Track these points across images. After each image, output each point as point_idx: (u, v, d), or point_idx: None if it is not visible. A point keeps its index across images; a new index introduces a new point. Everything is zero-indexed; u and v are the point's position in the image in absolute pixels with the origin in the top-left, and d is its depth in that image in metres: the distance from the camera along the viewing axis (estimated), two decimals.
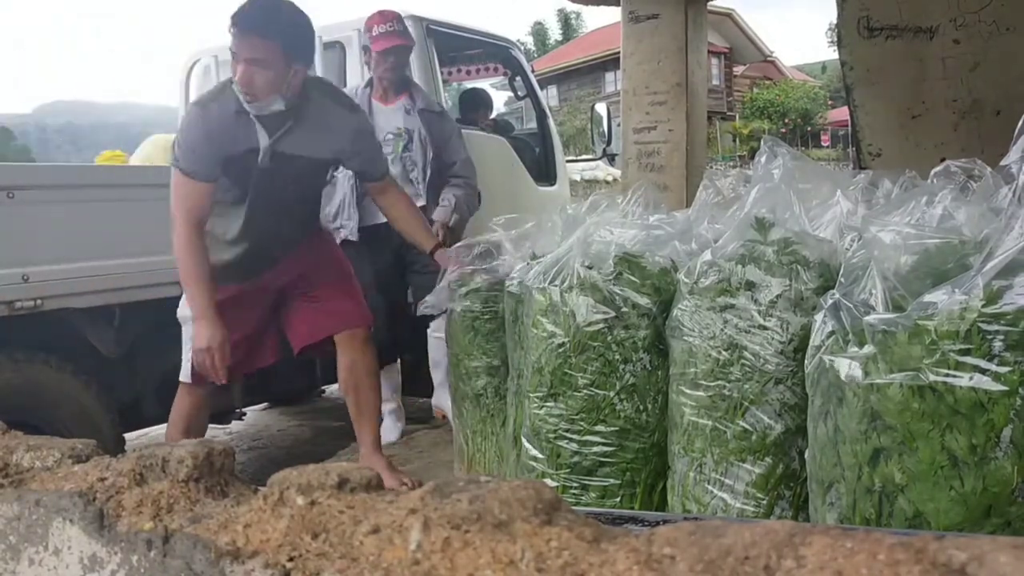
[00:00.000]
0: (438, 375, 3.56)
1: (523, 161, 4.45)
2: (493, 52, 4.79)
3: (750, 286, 1.63)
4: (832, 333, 1.38)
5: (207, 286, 2.44)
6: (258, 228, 2.57)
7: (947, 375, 1.22)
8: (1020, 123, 1.57)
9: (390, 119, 3.53)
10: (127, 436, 2.99)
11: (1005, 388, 1.19)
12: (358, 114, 2.77)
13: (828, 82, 31.90)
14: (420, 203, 3.29)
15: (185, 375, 2.61)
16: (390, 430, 3.50)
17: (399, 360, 3.77)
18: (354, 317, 2.79)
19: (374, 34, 3.52)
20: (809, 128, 27.50)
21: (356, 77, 4.17)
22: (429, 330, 3.53)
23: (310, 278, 2.75)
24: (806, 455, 1.50)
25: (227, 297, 2.55)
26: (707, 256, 1.72)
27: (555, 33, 38.45)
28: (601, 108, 5.12)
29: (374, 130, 3.02)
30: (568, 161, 5.54)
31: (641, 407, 1.84)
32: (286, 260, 2.70)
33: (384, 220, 3.26)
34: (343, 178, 3.37)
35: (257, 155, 2.43)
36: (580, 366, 1.85)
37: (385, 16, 3.55)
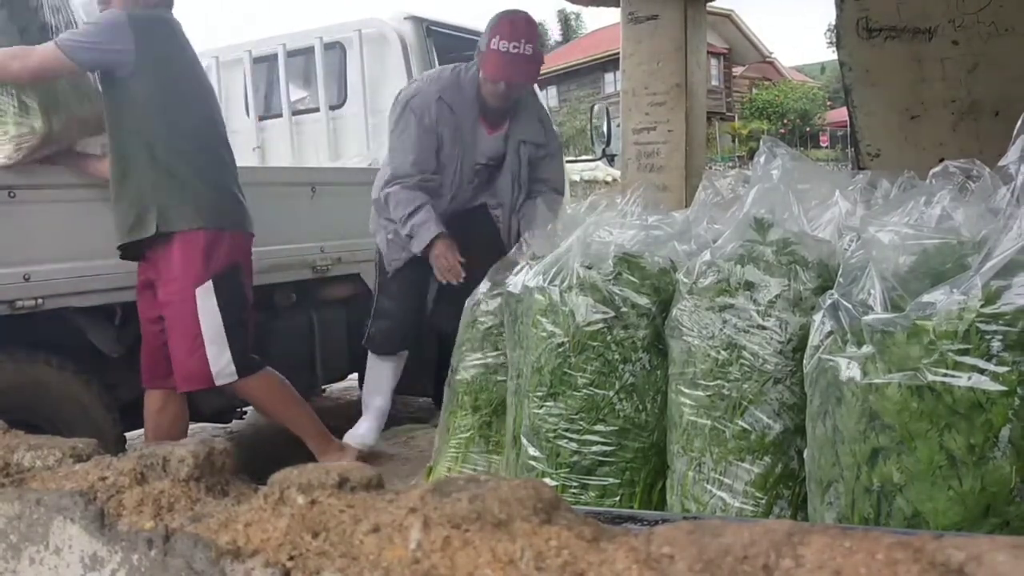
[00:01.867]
0: (373, 400, 3.30)
1: None
2: None
3: (749, 286, 1.64)
4: (831, 333, 1.39)
5: None
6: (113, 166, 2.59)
7: (945, 375, 1.22)
8: (1019, 124, 1.57)
9: (488, 148, 3.05)
10: (128, 435, 2.99)
11: (1003, 388, 1.19)
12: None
13: (827, 83, 31.92)
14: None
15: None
16: (368, 433, 3.27)
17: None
18: (192, 377, 2.61)
19: (494, 47, 2.85)
20: (808, 129, 27.53)
21: (356, 78, 4.18)
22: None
23: (164, 310, 2.62)
24: (805, 455, 1.51)
25: (139, 285, 2.65)
26: (706, 256, 1.72)
27: (555, 34, 38.48)
28: (600, 109, 5.13)
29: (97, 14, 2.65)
30: (568, 162, 5.54)
31: (640, 407, 1.85)
32: (152, 263, 2.61)
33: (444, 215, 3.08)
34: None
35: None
36: (579, 366, 1.85)
37: (517, 29, 2.85)
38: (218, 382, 2.63)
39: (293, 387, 2.89)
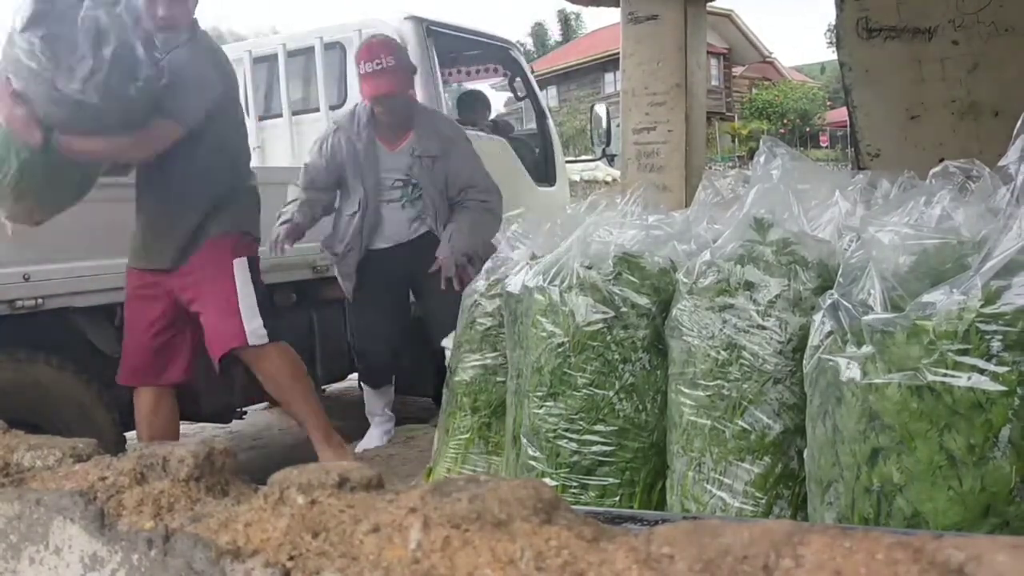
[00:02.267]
0: (373, 418, 3.54)
1: (523, 162, 4.46)
2: (493, 53, 4.80)
3: (749, 286, 1.64)
4: (831, 333, 1.38)
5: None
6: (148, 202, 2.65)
7: (945, 375, 1.22)
8: (1018, 124, 1.57)
9: (396, 164, 3.27)
10: (128, 435, 2.99)
11: (1003, 388, 1.19)
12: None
13: (827, 83, 31.89)
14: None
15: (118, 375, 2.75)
16: (375, 438, 3.48)
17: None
18: (227, 338, 2.73)
19: (361, 71, 3.16)
20: (808, 129, 27.51)
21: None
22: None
23: (199, 294, 2.73)
24: (805, 455, 1.50)
25: (133, 287, 2.67)
26: (706, 256, 1.72)
27: (555, 34, 38.50)
28: (600, 109, 5.14)
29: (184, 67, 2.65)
30: (568, 162, 5.55)
31: (640, 407, 1.85)
32: (182, 270, 2.70)
33: (390, 244, 3.28)
34: (348, 204, 3.30)
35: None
36: (579, 366, 1.85)
37: (373, 50, 3.16)
38: (251, 341, 2.72)
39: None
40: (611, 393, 1.84)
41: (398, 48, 3.26)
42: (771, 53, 29.73)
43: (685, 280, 1.74)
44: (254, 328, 2.74)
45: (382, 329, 3.31)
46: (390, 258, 3.28)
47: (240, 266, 2.76)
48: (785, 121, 26.89)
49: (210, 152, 2.66)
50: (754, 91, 28.47)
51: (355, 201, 3.24)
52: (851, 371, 1.32)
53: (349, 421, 3.50)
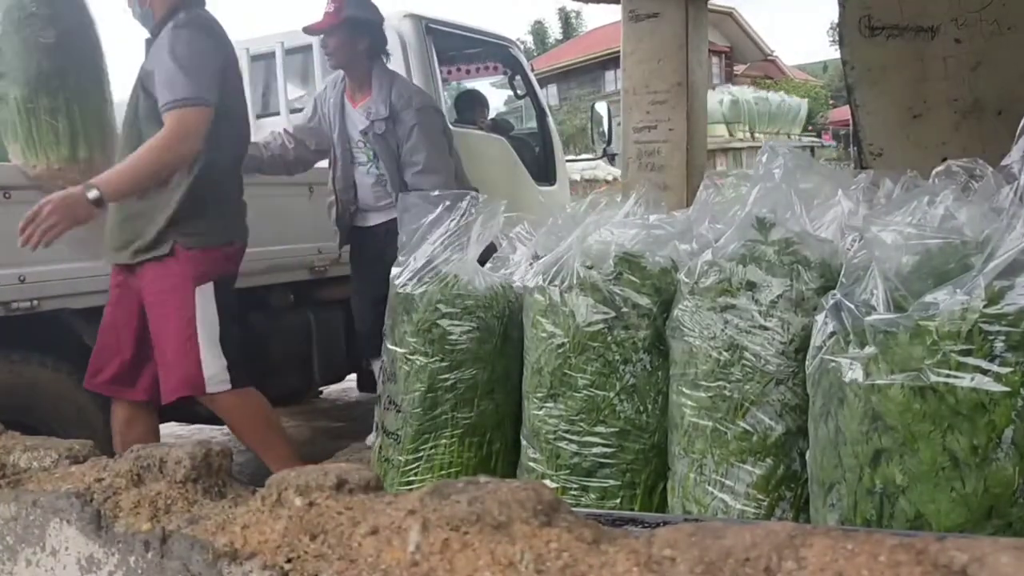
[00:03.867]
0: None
1: (523, 161, 4.45)
2: (492, 51, 4.80)
3: (751, 286, 1.63)
4: (833, 334, 1.38)
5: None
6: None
7: (948, 376, 1.21)
8: (1022, 123, 1.56)
9: (356, 122, 3.25)
10: None
11: (1006, 389, 1.18)
12: (184, 30, 2.35)
13: (829, 81, 31.86)
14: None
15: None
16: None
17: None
18: (181, 381, 2.37)
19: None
20: (810, 127, 27.49)
21: None
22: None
23: (152, 314, 2.41)
24: (807, 456, 1.50)
25: (112, 285, 2.48)
26: (707, 256, 1.72)
27: (555, 32, 38.43)
28: (601, 107, 5.13)
29: (172, 50, 2.37)
30: (568, 160, 5.54)
31: (641, 408, 1.84)
32: (140, 272, 2.42)
33: (367, 224, 3.26)
34: (330, 158, 3.31)
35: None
36: (580, 367, 1.84)
37: None
38: (210, 389, 2.39)
39: (299, 388, 2.81)
40: (612, 394, 1.83)
41: None
42: (773, 51, 29.70)
43: (686, 280, 1.74)
44: (215, 372, 2.37)
45: (368, 305, 3.19)
46: (371, 241, 3.25)
47: (205, 293, 2.38)
48: None
49: (212, 137, 2.35)
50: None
51: (332, 153, 3.33)
52: (854, 372, 1.31)
53: (348, 423, 3.49)
